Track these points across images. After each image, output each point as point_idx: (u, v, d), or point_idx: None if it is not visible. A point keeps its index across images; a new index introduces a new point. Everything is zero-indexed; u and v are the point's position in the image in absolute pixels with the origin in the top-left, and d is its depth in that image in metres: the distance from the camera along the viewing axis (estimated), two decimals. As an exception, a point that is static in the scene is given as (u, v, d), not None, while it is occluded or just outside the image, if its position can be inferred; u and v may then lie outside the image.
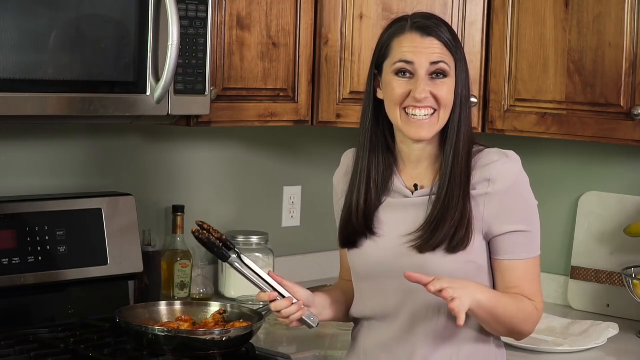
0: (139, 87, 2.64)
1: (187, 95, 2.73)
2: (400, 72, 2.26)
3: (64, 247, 2.84)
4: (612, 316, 3.21)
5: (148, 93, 2.65)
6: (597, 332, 2.94)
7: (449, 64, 2.26)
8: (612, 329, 2.95)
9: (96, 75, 2.57)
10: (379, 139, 2.34)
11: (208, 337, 2.51)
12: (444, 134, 2.29)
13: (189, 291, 3.20)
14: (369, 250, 2.34)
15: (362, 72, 3.00)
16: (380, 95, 2.32)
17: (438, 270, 2.23)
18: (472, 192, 2.25)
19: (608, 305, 3.25)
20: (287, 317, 2.30)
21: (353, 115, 3.03)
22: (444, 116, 2.27)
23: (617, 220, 3.23)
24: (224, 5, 2.87)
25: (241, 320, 2.62)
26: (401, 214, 2.32)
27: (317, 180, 3.56)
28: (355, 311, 2.41)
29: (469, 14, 3.06)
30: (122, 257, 2.94)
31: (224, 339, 2.52)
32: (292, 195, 3.57)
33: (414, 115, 2.25)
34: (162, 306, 2.74)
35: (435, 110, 2.25)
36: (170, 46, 2.59)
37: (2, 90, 2.42)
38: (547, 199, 3.29)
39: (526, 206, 2.28)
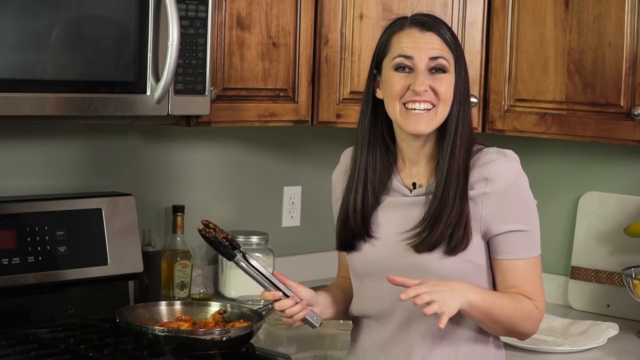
0: (139, 87, 2.64)
1: (187, 95, 2.73)
2: (399, 68, 2.26)
3: (64, 247, 2.84)
4: (612, 316, 3.21)
5: (148, 93, 2.65)
6: (597, 332, 2.94)
7: (448, 60, 2.26)
8: (612, 329, 2.95)
9: (96, 75, 2.57)
10: (376, 139, 2.34)
11: (208, 337, 2.51)
12: (442, 131, 2.29)
13: (189, 291, 3.20)
14: (367, 251, 2.34)
15: (362, 72, 3.00)
16: (379, 95, 2.32)
17: (436, 269, 2.23)
18: (470, 192, 2.25)
19: (608, 305, 3.25)
20: (291, 317, 2.31)
21: (353, 115, 3.02)
22: (442, 112, 2.26)
23: (617, 220, 3.23)
24: (224, 5, 2.87)
25: (241, 320, 2.62)
26: (399, 213, 2.32)
27: (317, 180, 3.56)
28: (354, 309, 2.41)
29: (469, 14, 3.06)
30: (122, 257, 2.94)
31: (224, 339, 2.52)
32: (292, 195, 3.57)
33: (413, 108, 2.25)
34: (162, 306, 2.73)
35: (434, 105, 2.25)
36: (170, 46, 2.59)
37: (2, 90, 2.42)
38: (547, 199, 3.29)
39: (525, 206, 2.28)
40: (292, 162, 3.56)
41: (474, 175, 2.26)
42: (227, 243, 2.33)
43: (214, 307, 2.74)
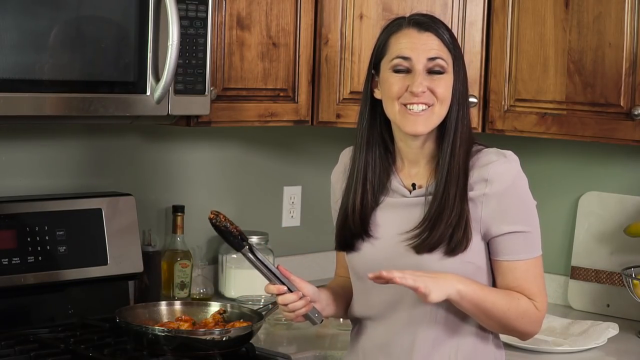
0: (139, 87, 2.64)
1: (187, 95, 2.73)
2: (397, 69, 2.26)
3: (64, 247, 2.84)
4: (612, 316, 3.21)
5: (148, 93, 2.65)
6: (597, 332, 2.94)
7: (446, 61, 2.26)
8: (612, 329, 2.95)
9: (96, 75, 2.57)
10: (375, 139, 2.34)
11: (208, 337, 2.51)
12: (441, 132, 2.29)
13: (189, 291, 3.20)
14: (366, 251, 2.34)
15: (362, 72, 2.99)
16: (377, 95, 2.32)
17: (436, 270, 2.23)
18: (470, 193, 2.25)
19: (608, 305, 3.25)
20: (293, 312, 2.30)
21: (353, 115, 3.02)
22: (440, 111, 2.26)
23: (617, 220, 3.23)
24: (224, 5, 2.87)
25: (241, 320, 2.63)
26: (399, 214, 2.32)
27: (317, 180, 3.56)
28: (354, 310, 2.41)
29: (469, 14, 3.06)
30: (122, 257, 2.94)
31: (224, 339, 2.52)
32: (292, 195, 3.57)
33: (411, 108, 2.24)
34: (162, 306, 2.74)
35: (431, 104, 2.25)
36: (170, 46, 2.59)
37: (2, 91, 2.42)
38: (547, 199, 3.29)
39: (524, 206, 2.28)
40: (292, 162, 3.56)
41: (474, 176, 2.26)
42: (237, 233, 2.34)
43: (214, 307, 2.74)
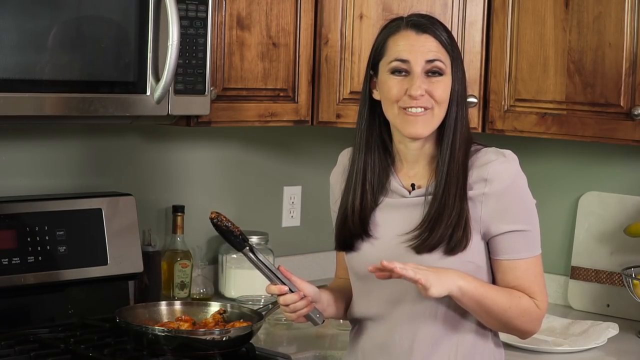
0: (139, 87, 2.64)
1: (187, 95, 2.73)
2: (396, 71, 2.26)
3: (64, 247, 2.84)
4: (612, 316, 3.21)
5: (148, 93, 2.65)
6: (597, 332, 2.94)
7: (444, 62, 2.26)
8: (612, 329, 2.95)
9: (96, 75, 2.57)
10: (374, 140, 2.34)
11: (208, 337, 2.51)
12: (440, 132, 2.29)
13: (189, 291, 3.20)
14: (366, 251, 2.33)
15: (362, 72, 2.97)
16: (376, 95, 2.32)
17: (436, 269, 2.23)
18: (469, 193, 2.25)
19: (608, 305, 3.25)
20: (294, 312, 2.30)
21: (353, 115, 3.01)
22: (439, 113, 2.26)
23: (617, 220, 3.23)
24: (224, 5, 2.87)
25: (241, 320, 2.63)
26: (398, 214, 2.32)
27: (317, 180, 3.56)
28: (354, 311, 2.41)
29: (469, 14, 3.06)
30: (122, 257, 2.94)
31: (224, 339, 2.52)
32: (292, 195, 3.57)
33: (410, 110, 2.24)
34: (162, 306, 2.74)
35: (430, 107, 2.25)
36: (170, 46, 2.59)
37: (2, 91, 2.42)
38: (547, 199, 3.29)
39: (524, 206, 2.28)
40: (292, 162, 3.56)
41: (473, 176, 2.26)
42: (238, 233, 2.34)
43: (214, 307, 2.74)
